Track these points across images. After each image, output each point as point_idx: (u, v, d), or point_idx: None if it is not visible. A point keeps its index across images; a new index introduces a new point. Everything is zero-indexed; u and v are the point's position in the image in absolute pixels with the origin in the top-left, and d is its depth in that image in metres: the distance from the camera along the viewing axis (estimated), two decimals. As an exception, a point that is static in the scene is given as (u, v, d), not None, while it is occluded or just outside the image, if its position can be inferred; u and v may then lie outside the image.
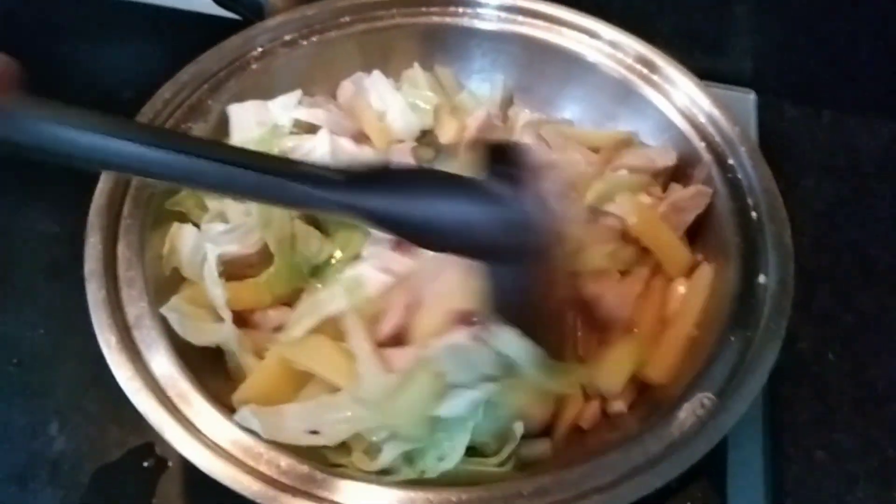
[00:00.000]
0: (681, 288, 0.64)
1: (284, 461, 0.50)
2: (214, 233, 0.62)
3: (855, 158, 0.94)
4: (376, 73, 0.76)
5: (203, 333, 0.58)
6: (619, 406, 0.59)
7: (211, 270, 0.59)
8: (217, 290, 0.59)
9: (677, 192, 0.67)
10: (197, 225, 0.65)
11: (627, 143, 0.72)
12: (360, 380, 0.54)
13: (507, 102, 0.79)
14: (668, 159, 0.69)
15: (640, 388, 0.61)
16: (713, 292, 0.61)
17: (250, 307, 0.60)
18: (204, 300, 0.60)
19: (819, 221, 0.88)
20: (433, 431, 0.53)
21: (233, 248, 0.61)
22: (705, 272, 0.64)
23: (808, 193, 0.91)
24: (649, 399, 0.59)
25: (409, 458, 0.54)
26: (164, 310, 0.56)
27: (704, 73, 0.73)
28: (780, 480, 0.69)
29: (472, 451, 0.54)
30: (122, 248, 0.59)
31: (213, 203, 0.65)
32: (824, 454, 0.71)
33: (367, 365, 0.54)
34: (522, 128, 0.73)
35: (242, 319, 0.61)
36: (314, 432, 0.53)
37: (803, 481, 0.69)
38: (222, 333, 0.58)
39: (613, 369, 0.59)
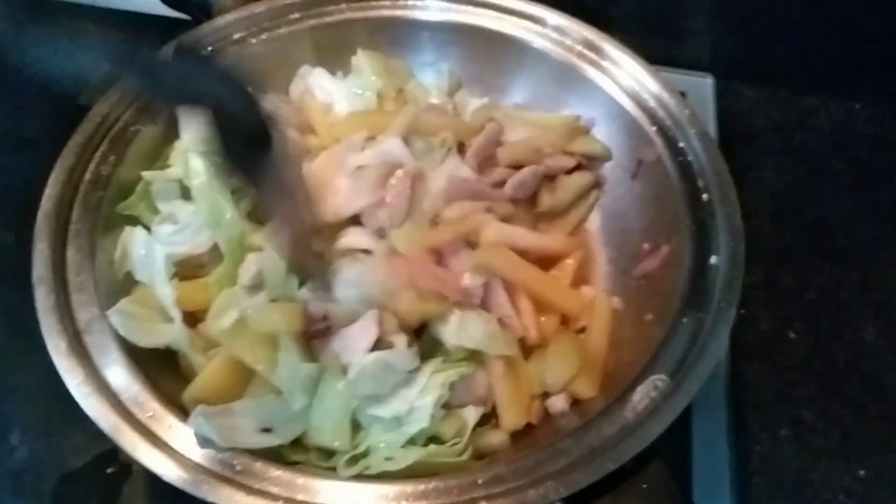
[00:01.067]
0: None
1: (238, 461, 0.50)
2: (165, 234, 0.61)
3: (812, 138, 0.95)
4: (318, 70, 0.76)
5: (150, 335, 0.57)
6: (560, 404, 0.59)
7: (160, 270, 0.59)
8: (166, 290, 0.58)
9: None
10: (148, 228, 0.64)
11: (577, 130, 0.72)
12: (279, 367, 0.54)
13: (455, 90, 0.79)
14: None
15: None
16: (667, 275, 0.61)
17: (201, 307, 0.59)
18: (154, 302, 0.59)
19: (778, 202, 0.89)
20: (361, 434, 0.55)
21: (183, 248, 0.60)
22: (603, 300, 0.65)
23: (768, 174, 0.91)
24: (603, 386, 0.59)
25: (354, 458, 0.54)
26: (109, 312, 0.56)
27: (661, 59, 0.73)
28: (745, 459, 0.69)
29: (429, 440, 0.55)
30: (71, 253, 0.59)
31: (164, 205, 0.64)
32: (788, 431, 0.72)
33: (287, 353, 0.54)
34: (473, 112, 0.73)
35: (194, 319, 0.60)
36: (266, 430, 0.52)
37: (768, 459, 0.70)
38: (171, 334, 0.58)
39: (559, 365, 0.59)
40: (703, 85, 0.96)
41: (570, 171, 0.71)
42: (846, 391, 0.74)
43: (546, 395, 0.60)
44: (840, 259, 0.84)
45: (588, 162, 0.73)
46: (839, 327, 0.79)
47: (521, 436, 0.58)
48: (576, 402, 0.59)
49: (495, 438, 0.56)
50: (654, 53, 0.73)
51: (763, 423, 0.72)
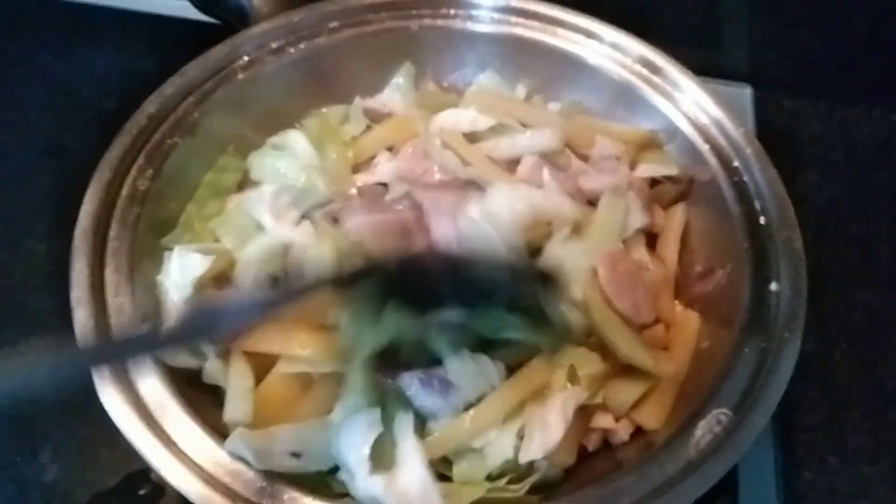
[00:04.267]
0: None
1: (272, 486, 0.48)
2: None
3: (854, 151, 0.93)
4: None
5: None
6: (621, 435, 0.57)
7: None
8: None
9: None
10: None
11: (651, 143, 0.70)
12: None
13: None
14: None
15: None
16: (724, 300, 0.60)
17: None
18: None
19: (820, 217, 0.87)
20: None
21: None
22: (691, 318, 0.62)
23: (808, 188, 0.89)
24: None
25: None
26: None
27: (700, 68, 0.71)
28: (793, 485, 0.68)
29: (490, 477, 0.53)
30: (109, 273, 0.57)
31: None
32: (835, 458, 0.70)
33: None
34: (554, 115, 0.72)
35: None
36: (296, 455, 0.51)
37: (816, 486, 0.68)
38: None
39: (625, 385, 0.57)
40: (742, 95, 0.94)
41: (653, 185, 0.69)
42: (894, 416, 0.73)
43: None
44: (885, 277, 0.82)
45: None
46: (886, 348, 0.77)
47: (578, 464, 0.56)
48: (637, 433, 0.57)
49: (550, 472, 0.54)
50: (692, 64, 0.71)
51: (810, 448, 0.70)
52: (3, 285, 0.74)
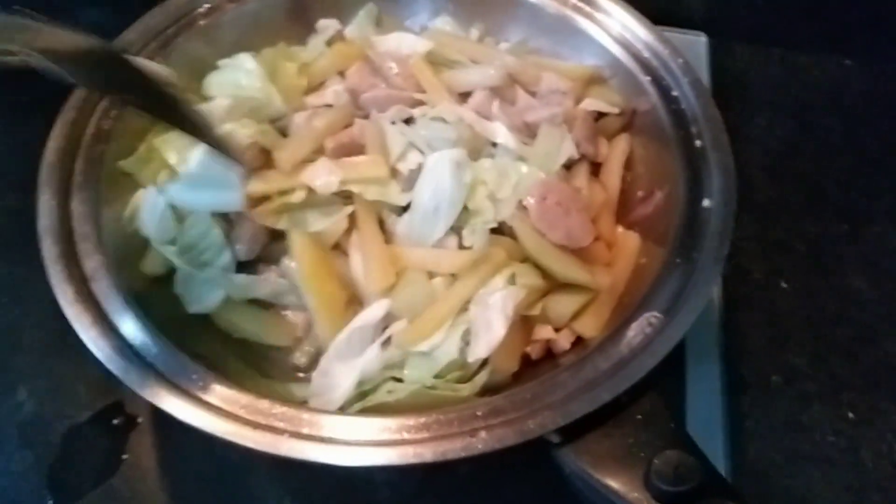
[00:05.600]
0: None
1: (245, 398, 0.51)
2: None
3: (805, 95, 0.96)
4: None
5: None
6: (563, 343, 0.60)
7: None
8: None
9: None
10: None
11: (596, 78, 0.73)
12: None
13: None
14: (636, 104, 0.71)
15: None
16: (661, 219, 0.63)
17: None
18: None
19: (771, 157, 0.90)
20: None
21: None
22: (631, 238, 0.65)
23: (762, 130, 0.93)
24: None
25: (361, 394, 0.56)
26: None
27: (655, 17, 0.73)
28: (738, 404, 0.71)
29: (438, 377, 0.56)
30: (75, 204, 0.60)
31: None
32: (780, 377, 0.73)
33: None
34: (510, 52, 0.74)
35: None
36: None
37: (760, 402, 0.72)
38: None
39: (565, 297, 0.60)
40: (697, 43, 0.97)
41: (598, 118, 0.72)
42: (837, 339, 0.76)
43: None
44: (831, 212, 0.85)
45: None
46: (830, 278, 0.80)
47: (523, 372, 0.59)
48: (577, 342, 0.60)
49: (496, 377, 0.57)
50: (647, 11, 0.74)
51: (755, 369, 0.73)
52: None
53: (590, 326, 0.59)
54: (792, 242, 0.83)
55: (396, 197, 0.61)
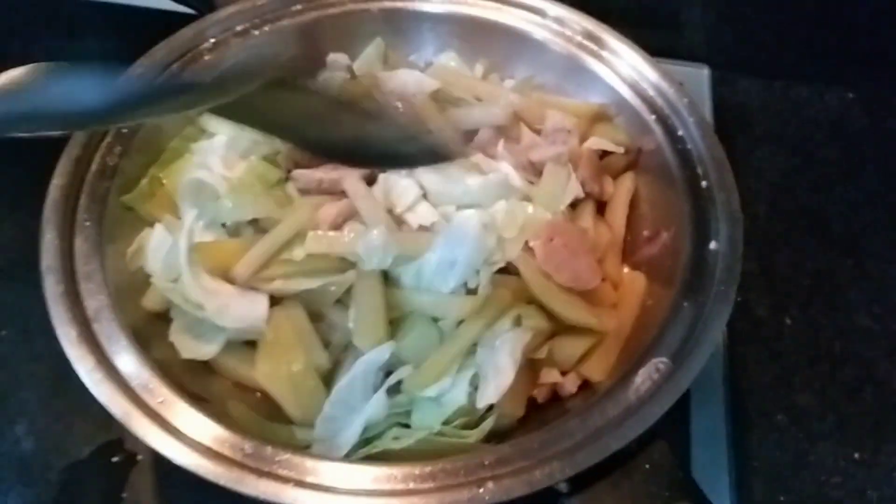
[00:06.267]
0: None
1: (248, 444, 0.50)
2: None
3: (807, 127, 0.97)
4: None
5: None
6: (569, 387, 0.60)
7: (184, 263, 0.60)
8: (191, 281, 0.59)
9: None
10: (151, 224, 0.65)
11: (601, 116, 0.73)
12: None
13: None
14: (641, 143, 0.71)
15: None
16: (667, 261, 0.62)
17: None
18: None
19: (773, 190, 0.90)
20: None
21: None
22: (638, 279, 0.65)
23: (763, 163, 0.93)
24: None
25: (367, 440, 0.55)
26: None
27: (658, 50, 0.74)
28: (743, 444, 0.70)
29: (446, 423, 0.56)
30: (79, 243, 0.59)
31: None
32: (785, 416, 0.73)
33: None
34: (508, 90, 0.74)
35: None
36: None
37: (765, 443, 0.71)
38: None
39: (571, 341, 0.60)
40: (700, 75, 0.97)
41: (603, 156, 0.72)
42: (842, 376, 0.76)
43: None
44: (834, 246, 0.85)
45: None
46: (834, 313, 0.80)
47: (529, 416, 0.59)
48: (584, 385, 0.60)
49: (502, 422, 0.57)
50: (650, 45, 0.74)
51: (760, 408, 0.73)
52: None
53: (597, 370, 0.59)
54: (796, 277, 0.83)
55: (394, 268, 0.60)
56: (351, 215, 0.61)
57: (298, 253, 0.59)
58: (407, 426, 0.56)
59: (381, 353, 0.56)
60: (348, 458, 0.54)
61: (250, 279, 0.59)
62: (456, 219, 0.61)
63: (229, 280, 0.60)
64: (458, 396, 0.55)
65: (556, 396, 0.61)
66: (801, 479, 0.69)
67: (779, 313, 0.80)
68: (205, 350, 0.60)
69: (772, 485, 0.69)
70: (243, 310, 0.59)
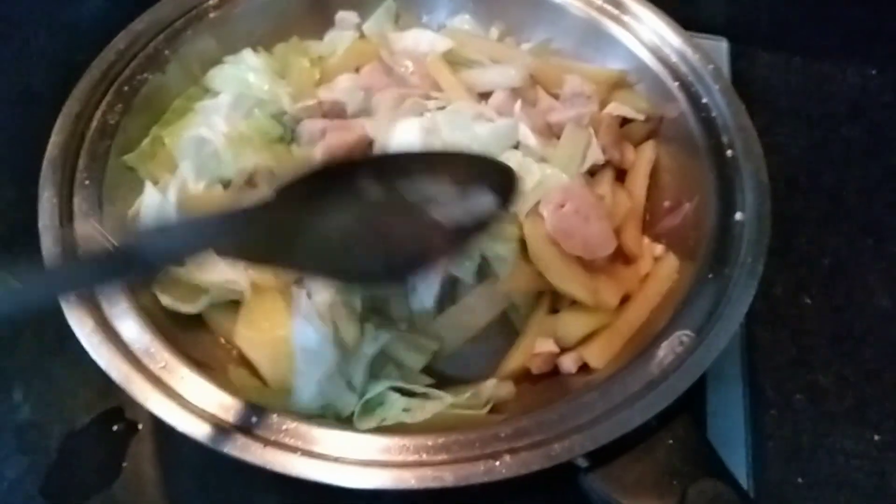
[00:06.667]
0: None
1: (255, 412, 0.48)
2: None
3: (827, 103, 0.94)
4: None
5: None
6: (568, 364, 0.58)
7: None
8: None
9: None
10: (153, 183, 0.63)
11: (621, 82, 0.70)
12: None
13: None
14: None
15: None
16: (691, 232, 0.60)
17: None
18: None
19: (792, 167, 0.87)
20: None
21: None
22: (668, 264, 0.62)
23: (782, 139, 0.90)
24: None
25: (369, 406, 0.54)
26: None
27: (677, 22, 0.71)
28: (761, 422, 0.69)
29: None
30: (78, 202, 0.57)
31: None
32: (803, 396, 0.71)
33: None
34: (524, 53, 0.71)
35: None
36: None
37: (783, 423, 0.69)
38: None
39: (573, 321, 0.58)
40: (718, 49, 0.94)
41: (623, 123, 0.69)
42: (861, 357, 0.74)
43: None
44: (855, 225, 0.83)
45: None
46: (854, 293, 0.78)
47: (526, 389, 0.57)
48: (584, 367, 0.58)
49: (502, 390, 0.56)
50: (665, 13, 0.71)
51: (778, 387, 0.71)
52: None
53: (597, 356, 0.57)
54: (815, 256, 0.80)
55: None
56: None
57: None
58: (412, 395, 0.54)
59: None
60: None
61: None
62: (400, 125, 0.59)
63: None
64: None
65: (555, 371, 0.59)
66: (819, 460, 0.68)
67: (798, 292, 0.77)
68: (187, 308, 0.58)
69: (789, 465, 0.67)
70: (224, 267, 0.57)
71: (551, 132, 0.64)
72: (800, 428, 0.69)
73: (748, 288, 0.54)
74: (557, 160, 0.61)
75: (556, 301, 0.61)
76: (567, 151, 0.62)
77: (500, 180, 0.47)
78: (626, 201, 0.64)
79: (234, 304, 0.59)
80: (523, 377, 0.59)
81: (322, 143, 0.62)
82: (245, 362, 0.58)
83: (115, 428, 0.64)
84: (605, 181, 0.64)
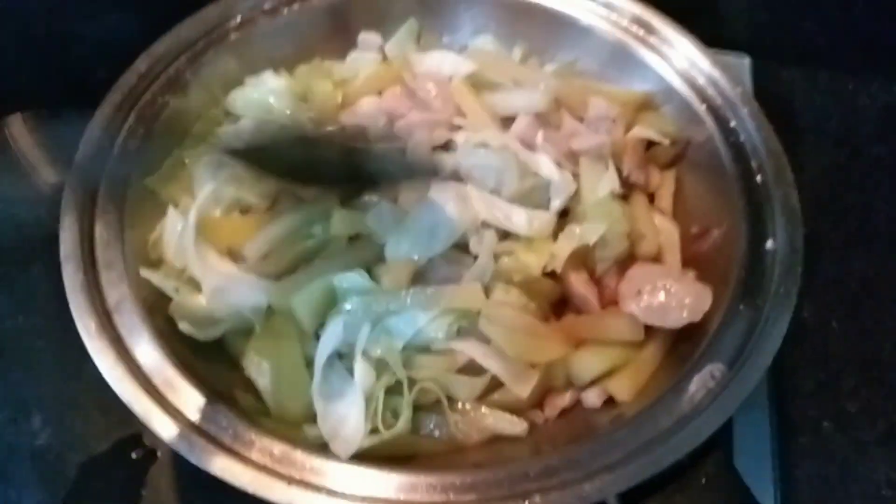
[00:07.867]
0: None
1: (278, 448, 0.48)
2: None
3: (852, 121, 0.93)
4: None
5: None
6: (592, 399, 0.57)
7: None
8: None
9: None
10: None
11: (647, 104, 0.70)
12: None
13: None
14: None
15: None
16: (719, 259, 0.59)
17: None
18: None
19: (817, 185, 0.86)
20: None
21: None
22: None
23: (806, 157, 0.88)
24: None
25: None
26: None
27: (699, 39, 0.70)
28: (788, 450, 0.67)
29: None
30: (99, 229, 0.57)
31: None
32: (831, 423, 0.70)
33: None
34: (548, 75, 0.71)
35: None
36: None
37: (811, 450, 0.68)
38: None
39: (588, 360, 0.57)
40: (741, 65, 0.93)
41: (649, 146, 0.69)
42: (890, 383, 0.72)
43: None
44: (882, 247, 0.82)
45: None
46: (882, 317, 0.77)
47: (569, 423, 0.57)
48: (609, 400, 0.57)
49: (516, 427, 0.55)
50: (692, 34, 0.70)
51: (806, 414, 0.70)
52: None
53: (624, 390, 0.55)
54: (841, 279, 0.79)
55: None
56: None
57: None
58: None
59: (333, 335, 0.54)
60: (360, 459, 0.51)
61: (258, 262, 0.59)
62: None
63: (236, 260, 0.59)
64: None
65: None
66: (849, 491, 0.66)
67: (824, 316, 0.76)
68: (204, 334, 0.58)
69: (818, 496, 0.66)
70: (240, 296, 0.57)
71: (575, 158, 0.63)
72: (829, 457, 0.68)
73: (781, 320, 0.53)
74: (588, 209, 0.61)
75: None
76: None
77: None
78: (670, 228, 0.63)
79: (250, 332, 0.59)
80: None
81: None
82: (252, 388, 0.58)
83: (133, 455, 0.63)
84: (641, 205, 0.63)
